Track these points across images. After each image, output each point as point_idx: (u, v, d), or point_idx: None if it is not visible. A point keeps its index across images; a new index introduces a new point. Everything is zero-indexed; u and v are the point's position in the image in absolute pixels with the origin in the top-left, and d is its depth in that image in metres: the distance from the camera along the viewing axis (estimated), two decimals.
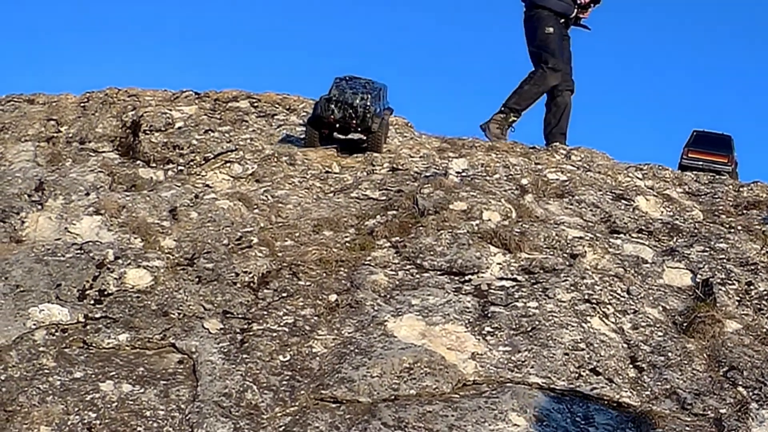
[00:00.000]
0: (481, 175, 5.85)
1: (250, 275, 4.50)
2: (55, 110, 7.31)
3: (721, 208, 5.69)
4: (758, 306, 4.39)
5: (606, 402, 3.70)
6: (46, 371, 3.75)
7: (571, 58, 7.67)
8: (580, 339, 4.01)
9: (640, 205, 5.54)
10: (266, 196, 5.59)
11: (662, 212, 5.52)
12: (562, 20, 7.55)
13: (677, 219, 5.42)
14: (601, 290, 4.38)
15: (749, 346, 4.07)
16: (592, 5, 7.64)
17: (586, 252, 4.73)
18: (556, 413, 3.58)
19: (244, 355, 3.88)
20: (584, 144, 6.83)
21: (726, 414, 3.65)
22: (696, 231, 5.22)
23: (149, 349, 3.96)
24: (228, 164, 6.07)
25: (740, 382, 3.84)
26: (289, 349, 3.95)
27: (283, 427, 3.50)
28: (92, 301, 4.27)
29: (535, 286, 4.39)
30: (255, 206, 5.39)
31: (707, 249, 4.89)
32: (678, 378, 3.86)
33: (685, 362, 3.96)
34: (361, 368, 3.77)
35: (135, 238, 4.88)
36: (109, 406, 3.57)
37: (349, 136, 6.66)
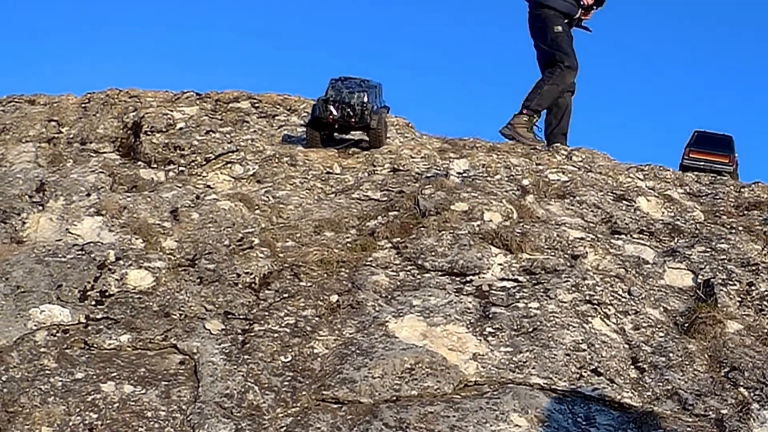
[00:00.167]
0: (482, 175, 5.85)
1: (252, 276, 4.50)
2: (56, 111, 7.32)
3: (722, 208, 5.69)
4: (759, 306, 4.38)
5: (607, 403, 3.69)
6: (48, 372, 3.75)
7: None
8: (582, 340, 4.01)
9: (641, 206, 5.54)
10: (267, 197, 5.59)
11: (663, 213, 5.52)
12: (566, 20, 7.56)
13: (678, 220, 5.42)
14: (602, 291, 4.38)
15: (750, 347, 4.07)
16: (595, 7, 7.64)
17: (587, 253, 4.73)
18: (557, 414, 3.58)
19: (246, 356, 3.88)
20: (585, 145, 6.84)
21: (727, 415, 3.65)
22: (697, 232, 5.22)
23: (150, 349, 3.96)
24: (229, 165, 6.07)
25: (741, 383, 3.83)
26: (290, 350, 3.95)
27: (285, 428, 3.50)
28: (93, 302, 4.27)
29: (537, 287, 4.39)
30: (256, 207, 5.39)
31: (708, 249, 4.89)
32: (679, 379, 3.86)
33: (687, 363, 3.96)
34: (363, 369, 3.77)
35: (136, 238, 4.88)
36: (110, 406, 3.57)
37: (350, 135, 6.70)
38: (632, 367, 3.93)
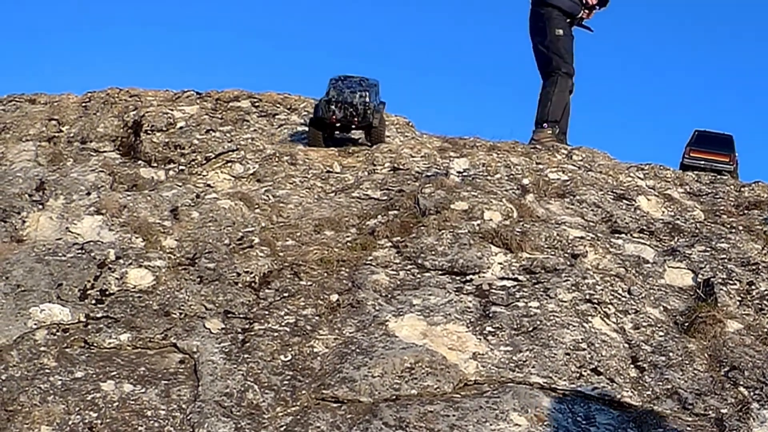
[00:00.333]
0: (483, 174, 5.85)
1: (252, 275, 4.50)
2: (56, 110, 7.33)
3: (722, 208, 5.69)
4: (759, 306, 4.38)
5: (607, 402, 3.69)
6: (47, 371, 3.75)
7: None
8: (582, 339, 4.01)
9: (641, 205, 5.54)
10: (267, 196, 5.59)
11: (663, 212, 5.51)
12: (568, 20, 7.52)
13: (678, 219, 5.42)
14: (602, 290, 4.38)
15: (750, 346, 4.07)
16: (597, 8, 7.61)
17: (587, 252, 4.73)
18: (557, 413, 3.58)
19: (246, 355, 3.88)
20: (585, 144, 6.84)
21: (727, 414, 3.65)
22: (697, 231, 5.21)
23: (150, 348, 3.96)
24: (229, 164, 6.08)
25: (741, 382, 3.83)
26: (290, 349, 3.95)
27: (285, 427, 3.50)
28: (93, 301, 4.27)
29: (537, 286, 4.39)
30: (256, 206, 5.39)
31: (708, 249, 4.89)
32: (679, 378, 3.86)
33: (687, 362, 3.96)
34: (363, 368, 3.77)
35: (136, 237, 4.88)
36: (110, 405, 3.57)
37: (350, 135, 6.76)
38: (632, 366, 3.93)
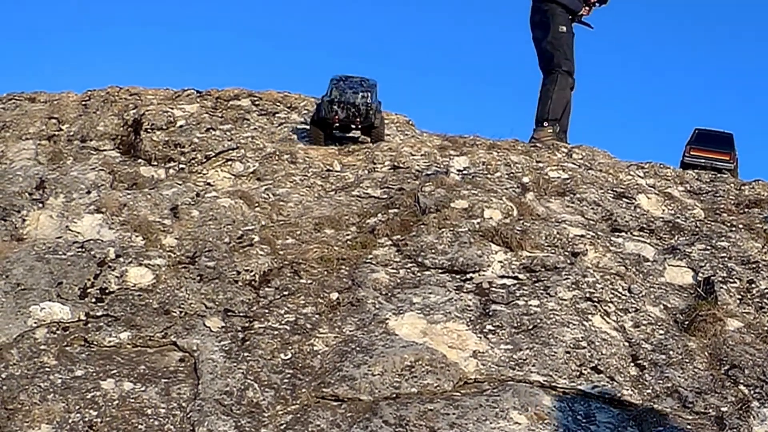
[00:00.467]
0: (483, 173, 5.85)
1: (252, 273, 4.50)
2: (56, 108, 7.32)
3: (722, 206, 5.69)
4: (759, 304, 4.38)
5: (607, 400, 3.69)
6: (47, 369, 3.75)
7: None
8: (582, 337, 4.01)
9: (641, 204, 5.54)
10: (267, 194, 5.59)
11: (664, 210, 5.51)
12: (570, 17, 7.50)
13: (679, 217, 5.42)
14: (602, 288, 4.38)
15: (750, 345, 4.07)
16: (597, 4, 7.59)
17: (587, 250, 4.73)
18: (557, 411, 3.58)
19: (246, 354, 3.88)
20: (586, 142, 6.83)
21: (727, 412, 3.65)
22: (697, 229, 5.21)
23: (150, 347, 3.96)
24: (229, 162, 6.07)
25: (741, 381, 3.83)
26: (290, 348, 3.95)
27: (285, 425, 3.50)
28: (93, 300, 4.27)
29: (537, 285, 4.39)
30: (256, 204, 5.39)
31: (709, 247, 4.89)
32: (679, 376, 3.86)
33: (687, 360, 3.96)
34: (363, 366, 3.77)
35: (136, 236, 4.88)
36: (110, 404, 3.57)
37: (350, 134, 6.79)
38: (632, 364, 3.93)
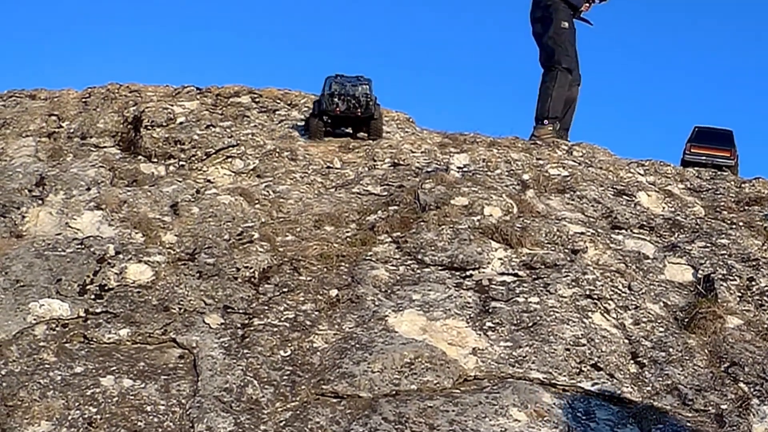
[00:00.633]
0: (483, 170, 5.85)
1: (251, 270, 4.50)
2: (56, 105, 7.32)
3: (722, 204, 5.69)
4: (759, 302, 4.38)
5: (607, 397, 3.69)
6: (47, 366, 3.75)
7: (577, 51, 7.63)
8: (582, 334, 4.01)
9: (641, 201, 5.53)
10: (267, 191, 5.59)
11: (664, 208, 5.51)
12: (572, 12, 7.48)
13: (679, 215, 5.41)
14: (602, 286, 4.38)
15: (750, 342, 4.06)
16: (596, 0, 7.57)
17: (587, 247, 4.72)
18: (557, 409, 3.58)
19: (245, 350, 3.88)
20: (586, 140, 6.83)
21: (727, 410, 3.65)
22: (697, 227, 5.21)
23: (150, 344, 3.96)
24: (229, 159, 6.07)
25: (741, 378, 3.83)
26: (289, 344, 3.95)
27: (284, 422, 3.50)
28: (93, 296, 4.27)
29: (537, 282, 4.39)
30: (256, 201, 5.39)
31: (709, 245, 4.89)
32: (679, 374, 3.85)
33: (687, 358, 3.96)
34: (362, 363, 3.76)
35: (136, 233, 4.88)
36: (109, 400, 3.57)
37: (348, 130, 6.84)
38: (632, 362, 3.92)
